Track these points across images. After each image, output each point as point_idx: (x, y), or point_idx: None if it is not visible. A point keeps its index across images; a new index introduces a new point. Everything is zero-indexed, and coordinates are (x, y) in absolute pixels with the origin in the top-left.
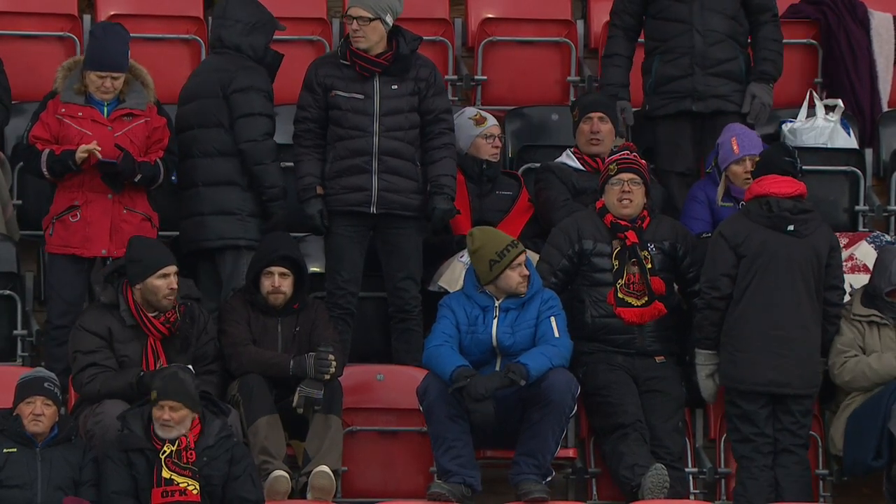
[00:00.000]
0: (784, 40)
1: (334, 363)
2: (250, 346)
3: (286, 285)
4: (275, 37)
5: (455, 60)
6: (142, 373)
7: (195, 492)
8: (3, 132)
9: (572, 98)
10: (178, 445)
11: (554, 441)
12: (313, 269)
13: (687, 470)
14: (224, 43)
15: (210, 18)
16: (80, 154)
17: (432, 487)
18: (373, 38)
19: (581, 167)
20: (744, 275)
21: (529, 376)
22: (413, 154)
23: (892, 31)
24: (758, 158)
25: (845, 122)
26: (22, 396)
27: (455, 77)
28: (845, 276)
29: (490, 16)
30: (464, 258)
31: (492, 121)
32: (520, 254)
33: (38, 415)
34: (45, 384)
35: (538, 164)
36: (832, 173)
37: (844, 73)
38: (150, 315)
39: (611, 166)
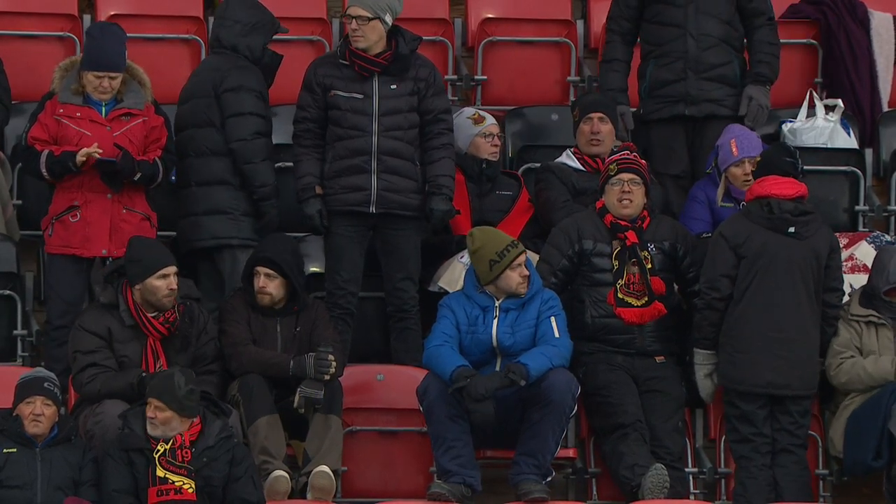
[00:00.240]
0: (784, 40)
1: (334, 363)
2: (250, 346)
3: (272, 286)
4: (274, 37)
5: (455, 60)
6: (143, 373)
7: (191, 490)
8: (3, 132)
9: (572, 98)
10: (173, 444)
11: (554, 441)
12: (313, 269)
13: (687, 470)
14: (222, 43)
15: (210, 18)
16: (80, 158)
17: (432, 487)
18: (372, 38)
19: (581, 167)
20: (744, 276)
21: (529, 376)
22: (412, 154)
23: (892, 31)
24: (758, 159)
25: (845, 122)
26: (22, 396)
27: (455, 77)
28: (845, 276)
29: (490, 16)
30: (464, 258)
31: (490, 120)
32: (520, 254)
33: (38, 415)
34: (45, 384)
35: (538, 164)
36: (832, 173)
37: (844, 73)
38: (149, 315)
39: (611, 166)
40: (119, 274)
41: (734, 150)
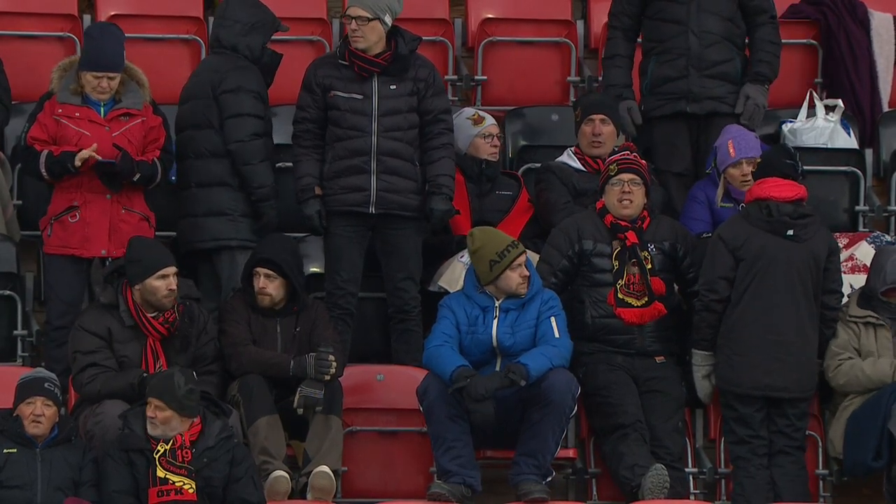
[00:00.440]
0: (784, 40)
1: (334, 363)
2: (250, 346)
3: (272, 287)
4: (275, 37)
5: (455, 60)
6: (144, 374)
7: (191, 490)
8: (3, 132)
9: (572, 98)
10: (173, 444)
11: (554, 441)
12: (313, 269)
13: (687, 470)
14: (222, 43)
15: (210, 18)
16: (79, 160)
17: (432, 487)
18: (371, 38)
19: (582, 167)
20: (742, 278)
21: (529, 376)
22: (412, 154)
23: (892, 31)
24: (758, 160)
25: (845, 122)
26: (22, 397)
27: (455, 77)
28: (845, 276)
29: (490, 16)
30: (464, 258)
31: (490, 120)
32: (520, 254)
33: (39, 415)
34: (46, 385)
35: (538, 165)
36: (832, 173)
37: (844, 74)
38: (149, 315)
39: (611, 167)
40: (119, 274)
41: (731, 151)
